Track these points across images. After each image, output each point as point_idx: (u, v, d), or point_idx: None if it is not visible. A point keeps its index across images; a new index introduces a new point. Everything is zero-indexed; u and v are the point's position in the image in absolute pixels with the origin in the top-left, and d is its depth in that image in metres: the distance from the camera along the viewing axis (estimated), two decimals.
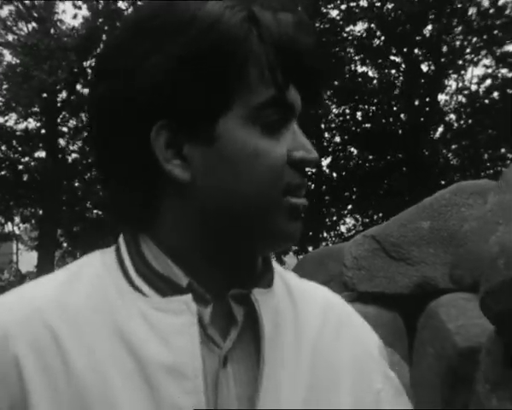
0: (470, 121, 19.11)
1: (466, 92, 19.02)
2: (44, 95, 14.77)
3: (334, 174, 20.54)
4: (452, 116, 19.53)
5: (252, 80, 0.70)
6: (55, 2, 17.27)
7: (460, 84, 19.22)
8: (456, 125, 19.47)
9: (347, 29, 18.32)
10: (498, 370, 3.72)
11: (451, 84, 19.19)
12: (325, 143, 20.36)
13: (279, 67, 0.70)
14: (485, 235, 4.69)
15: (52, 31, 14.97)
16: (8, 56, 16.79)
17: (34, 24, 16.57)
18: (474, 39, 17.67)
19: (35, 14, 16.87)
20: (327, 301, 0.87)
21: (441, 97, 19.30)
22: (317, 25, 17.13)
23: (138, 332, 0.70)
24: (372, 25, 17.80)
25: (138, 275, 0.74)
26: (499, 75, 18.06)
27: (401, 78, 18.83)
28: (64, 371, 0.68)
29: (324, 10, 17.95)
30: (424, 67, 18.36)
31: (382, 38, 18.05)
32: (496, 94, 18.16)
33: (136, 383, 0.68)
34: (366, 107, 19.62)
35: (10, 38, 17.34)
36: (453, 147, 19.87)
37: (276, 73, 0.70)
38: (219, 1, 0.71)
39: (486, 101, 18.16)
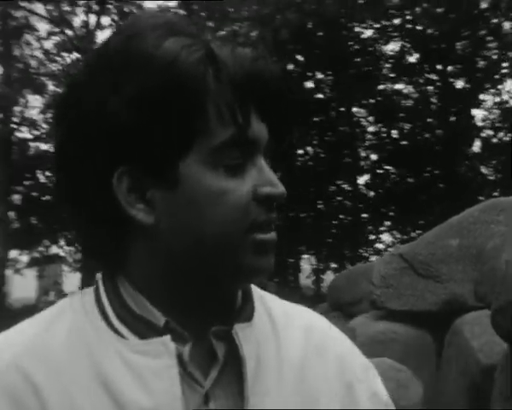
0: (509, 136, 18.95)
1: (502, 107, 18.88)
2: None
3: (372, 192, 20.58)
4: (489, 132, 19.40)
5: (210, 121, 0.69)
6: (96, 33, 17.92)
7: (497, 99, 19.11)
8: (494, 140, 19.33)
9: (381, 48, 18.48)
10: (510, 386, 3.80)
11: (488, 98, 19.12)
12: (361, 162, 20.45)
13: (237, 104, 0.69)
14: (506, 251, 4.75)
15: None
16: (51, 86, 17.51)
17: (76, 54, 17.23)
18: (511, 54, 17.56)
19: (77, 45, 17.52)
20: (309, 324, 0.85)
21: (478, 112, 19.25)
22: (350, 44, 17.33)
23: (118, 376, 0.69)
24: (406, 43, 17.90)
25: (116, 317, 0.73)
26: None
27: (436, 95, 18.81)
28: None
29: (356, 30, 18.16)
30: (459, 83, 18.35)
31: (416, 55, 18.13)
32: None
33: None
34: (401, 124, 19.66)
35: (54, 67, 18.07)
36: (492, 162, 19.72)
37: (235, 112, 0.69)
38: (178, 38, 0.69)
39: None
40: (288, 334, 0.81)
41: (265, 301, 0.84)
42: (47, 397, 0.68)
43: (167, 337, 0.71)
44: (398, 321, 7.00)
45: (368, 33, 18.54)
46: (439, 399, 5.77)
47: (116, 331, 0.72)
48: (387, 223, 20.60)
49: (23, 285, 21.07)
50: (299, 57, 17.12)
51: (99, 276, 0.77)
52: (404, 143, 19.46)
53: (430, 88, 19.05)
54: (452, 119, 18.33)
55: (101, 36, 18.60)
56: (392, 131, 19.97)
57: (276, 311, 0.83)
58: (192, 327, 0.73)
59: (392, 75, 18.95)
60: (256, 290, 0.83)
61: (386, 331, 6.97)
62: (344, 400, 0.80)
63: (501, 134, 19.13)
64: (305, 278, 20.47)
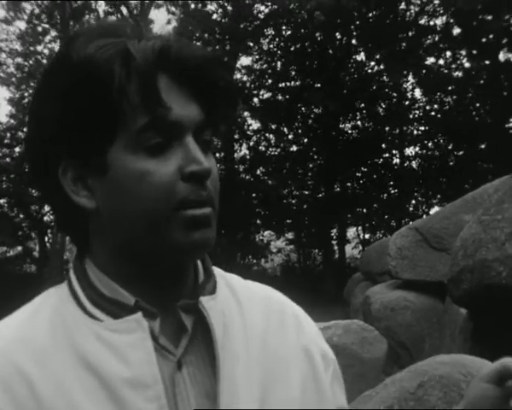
0: None
1: None
2: None
3: (414, 164, 20.71)
4: None
5: (127, 110, 0.73)
6: (149, 11, 18.53)
7: None
8: None
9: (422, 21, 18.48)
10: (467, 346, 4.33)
11: None
12: (409, 135, 20.56)
13: (145, 91, 0.73)
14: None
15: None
16: None
17: None
18: None
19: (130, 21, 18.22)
20: (268, 297, 0.91)
21: None
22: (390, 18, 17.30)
23: (98, 354, 0.73)
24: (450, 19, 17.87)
25: (90, 302, 0.77)
26: None
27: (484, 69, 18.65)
28: (35, 402, 0.72)
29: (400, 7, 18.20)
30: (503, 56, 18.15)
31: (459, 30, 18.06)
32: None
33: (102, 401, 0.72)
34: (450, 98, 19.66)
35: None
36: None
37: (147, 100, 0.73)
38: (100, 40, 0.75)
39: None
40: (249, 305, 0.86)
41: (226, 278, 0.90)
42: (37, 385, 0.72)
43: (139, 314, 0.75)
44: (412, 290, 7.47)
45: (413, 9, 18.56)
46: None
47: (91, 315, 0.76)
48: (438, 196, 20.67)
49: None
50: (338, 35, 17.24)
51: (70, 265, 0.84)
52: (452, 116, 19.43)
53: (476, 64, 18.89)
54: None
55: (155, 14, 19.12)
56: (436, 106, 19.99)
57: (237, 285, 0.89)
58: (160, 304, 0.78)
59: (436, 50, 18.94)
60: (217, 269, 0.89)
61: (399, 299, 7.44)
62: (303, 360, 0.86)
63: None
64: (352, 249, 20.91)
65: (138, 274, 0.79)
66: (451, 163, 19.90)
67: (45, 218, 20.38)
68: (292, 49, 18.66)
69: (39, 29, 19.59)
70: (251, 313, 0.86)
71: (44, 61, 16.65)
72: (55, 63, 0.78)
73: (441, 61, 19.49)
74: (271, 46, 19.35)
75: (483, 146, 19.09)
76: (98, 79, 0.73)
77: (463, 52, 19.05)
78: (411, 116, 20.53)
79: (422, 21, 19.04)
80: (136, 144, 0.74)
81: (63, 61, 0.76)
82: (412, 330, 7.16)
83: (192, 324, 0.79)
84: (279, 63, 19.53)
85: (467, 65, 19.33)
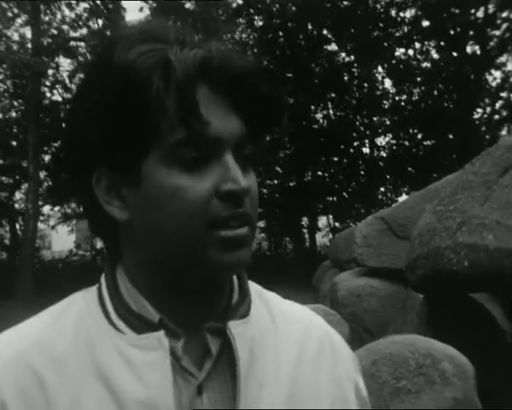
0: None
1: None
2: None
3: (384, 154, 21.06)
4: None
5: (164, 123, 0.70)
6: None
7: None
8: None
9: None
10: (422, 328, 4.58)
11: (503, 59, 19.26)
12: (379, 124, 20.89)
13: (188, 105, 0.70)
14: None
15: (109, 32, 16.14)
16: (81, 49, 18.09)
17: (103, 21, 17.87)
18: None
19: (105, 11, 18.14)
20: (308, 323, 0.87)
21: (495, 75, 19.44)
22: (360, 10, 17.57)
23: (116, 369, 0.72)
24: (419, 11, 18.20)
25: (116, 313, 0.75)
26: None
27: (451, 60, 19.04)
28: None
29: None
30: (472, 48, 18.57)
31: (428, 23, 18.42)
32: None
33: None
34: (417, 88, 20.02)
35: (83, 32, 18.66)
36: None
37: (184, 114, 0.70)
38: (140, 47, 0.71)
39: None
40: (286, 329, 0.83)
41: (265, 298, 0.86)
42: (51, 391, 0.71)
43: (161, 333, 0.73)
44: (377, 277, 7.74)
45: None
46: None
47: (114, 326, 0.75)
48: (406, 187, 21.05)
49: (64, 240, 22.31)
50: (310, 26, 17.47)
51: (103, 274, 0.81)
52: (420, 106, 19.82)
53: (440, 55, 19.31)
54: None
55: (127, 3, 19.00)
56: (406, 96, 20.35)
57: (275, 306, 0.85)
58: (187, 323, 0.75)
59: (406, 41, 19.28)
60: (255, 287, 0.86)
61: (365, 286, 7.68)
62: (335, 395, 0.83)
63: None
64: (322, 238, 21.23)
65: (167, 290, 0.76)
66: (420, 153, 20.28)
67: (16, 205, 20.28)
68: (264, 39, 18.78)
69: (9, 14, 19.38)
70: (286, 337, 0.82)
71: (14, 47, 16.46)
72: (94, 67, 0.76)
73: (410, 52, 19.84)
74: (244, 36, 19.48)
75: (451, 136, 19.47)
76: (136, 89, 0.70)
77: (432, 43, 19.42)
78: (382, 106, 20.85)
79: (393, 12, 19.33)
80: (172, 159, 0.71)
81: (103, 65, 0.74)
82: (377, 315, 7.42)
83: (218, 347, 0.76)
84: (250, 53, 19.63)
85: (435, 56, 19.72)
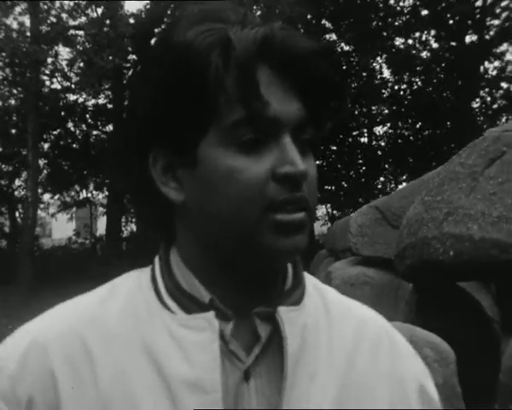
0: None
1: None
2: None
3: (383, 143, 21.11)
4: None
5: (223, 103, 0.69)
6: None
7: None
8: None
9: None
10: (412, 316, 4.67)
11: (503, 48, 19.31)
12: (377, 114, 20.92)
13: (248, 84, 0.68)
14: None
15: (108, 21, 16.06)
16: (80, 38, 18.07)
17: (102, 8, 17.80)
18: None
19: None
20: (365, 318, 0.85)
21: (495, 65, 19.47)
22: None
23: (164, 348, 0.72)
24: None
25: (167, 293, 0.75)
26: None
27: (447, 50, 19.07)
28: (93, 382, 0.71)
29: None
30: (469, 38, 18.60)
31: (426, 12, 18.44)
32: None
33: (159, 397, 0.70)
34: (415, 79, 20.05)
35: (83, 20, 18.62)
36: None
37: (244, 93, 0.68)
38: (200, 26, 0.71)
39: None
40: (341, 322, 0.81)
41: (321, 289, 0.85)
42: (99, 367, 0.71)
43: (211, 313, 0.72)
44: (371, 266, 7.83)
45: None
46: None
47: (165, 305, 0.75)
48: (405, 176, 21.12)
49: (64, 228, 22.43)
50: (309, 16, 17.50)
51: (158, 254, 0.81)
52: (419, 95, 19.87)
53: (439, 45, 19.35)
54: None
55: None
56: (405, 85, 20.39)
57: (331, 300, 0.83)
58: (237, 306, 0.74)
59: (405, 31, 19.30)
60: (311, 279, 0.84)
61: (359, 275, 7.78)
62: (394, 394, 0.80)
63: None
64: (320, 226, 21.30)
65: (220, 273, 0.75)
66: (419, 142, 20.34)
67: (16, 192, 20.37)
68: None
69: (8, 2, 19.36)
70: (341, 330, 0.80)
71: (14, 35, 16.47)
72: (155, 47, 0.76)
73: (410, 42, 19.84)
74: None
75: (450, 126, 19.52)
76: (195, 68, 0.69)
77: (432, 32, 19.43)
78: (380, 96, 20.89)
79: (392, 2, 19.32)
80: (229, 139, 0.70)
81: (162, 45, 0.74)
82: (371, 304, 7.52)
83: (268, 333, 0.75)
84: None
85: (435, 45, 19.75)
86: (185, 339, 0.72)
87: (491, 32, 18.33)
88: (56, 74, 18.19)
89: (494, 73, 19.59)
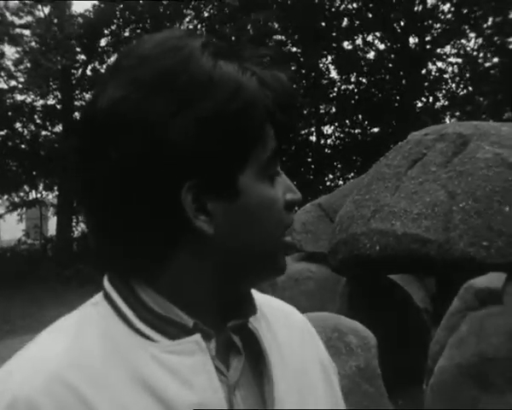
0: (470, 88, 20.00)
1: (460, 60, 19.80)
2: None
3: (329, 141, 21.59)
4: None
5: (264, 137, 0.73)
6: None
7: (455, 51, 20.04)
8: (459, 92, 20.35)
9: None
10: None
11: (447, 50, 20.06)
12: (325, 113, 21.38)
13: (281, 121, 0.74)
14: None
15: (56, 20, 15.95)
16: (26, 38, 17.85)
17: (49, 8, 17.62)
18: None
19: None
20: (288, 313, 0.91)
21: (440, 65, 20.21)
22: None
23: (157, 377, 0.70)
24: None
25: (142, 321, 0.73)
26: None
27: (391, 52, 19.68)
28: None
29: None
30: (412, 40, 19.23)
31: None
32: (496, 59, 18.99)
33: None
34: (360, 79, 20.60)
35: (29, 19, 18.39)
36: (457, 114, 20.76)
37: (280, 129, 0.75)
38: (228, 62, 0.73)
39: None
40: (274, 320, 0.85)
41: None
42: (97, 407, 0.68)
43: (198, 336, 0.73)
44: (314, 262, 8.13)
45: None
46: None
47: (144, 335, 0.73)
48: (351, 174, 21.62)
49: (13, 229, 22.06)
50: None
51: (107, 284, 0.77)
52: (366, 95, 20.42)
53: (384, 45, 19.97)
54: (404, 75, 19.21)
55: None
56: (352, 86, 20.93)
57: (260, 301, 0.85)
58: (212, 323, 0.75)
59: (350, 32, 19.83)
60: None
61: (303, 270, 8.06)
62: (322, 374, 0.88)
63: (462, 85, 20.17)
64: None
65: (213, 298, 0.76)
66: (368, 139, 20.84)
67: None
68: (211, 30, 18.97)
69: None
70: (277, 329, 0.85)
71: None
72: (182, 76, 0.71)
73: (357, 43, 20.36)
74: (191, 26, 19.63)
75: (395, 124, 20.11)
76: (247, 108, 0.71)
77: (378, 34, 19.99)
78: (328, 95, 21.35)
79: (337, 4, 19.80)
80: (263, 171, 0.74)
81: (198, 77, 0.71)
82: (314, 298, 7.82)
83: (241, 344, 0.78)
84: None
85: (382, 46, 20.33)
86: (177, 365, 0.72)
87: (435, 35, 18.95)
88: (2, 74, 17.94)
89: (437, 74, 20.30)
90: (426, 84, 19.77)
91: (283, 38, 20.50)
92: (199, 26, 19.30)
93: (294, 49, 20.62)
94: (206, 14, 19.25)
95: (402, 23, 18.68)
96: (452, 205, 3.85)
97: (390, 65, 20.01)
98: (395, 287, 5.13)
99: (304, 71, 20.68)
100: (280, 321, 0.86)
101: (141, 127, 0.69)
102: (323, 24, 19.77)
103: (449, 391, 3.45)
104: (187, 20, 19.39)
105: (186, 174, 0.71)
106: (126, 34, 18.69)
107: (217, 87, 0.71)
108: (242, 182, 0.73)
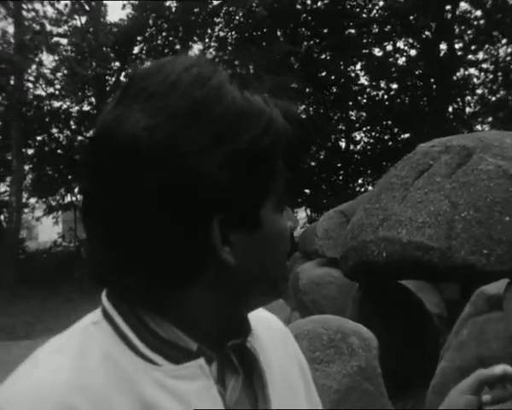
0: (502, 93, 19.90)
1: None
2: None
3: (358, 147, 21.64)
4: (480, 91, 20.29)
5: (283, 170, 0.76)
6: None
7: (487, 57, 19.93)
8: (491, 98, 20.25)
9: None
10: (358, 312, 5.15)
11: (479, 56, 19.97)
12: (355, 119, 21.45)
13: (296, 154, 0.78)
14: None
15: (91, 29, 16.41)
16: (63, 46, 18.38)
17: (85, 18, 18.14)
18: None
19: (87, 8, 18.45)
20: (267, 318, 0.93)
21: (473, 71, 20.13)
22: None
23: (162, 402, 0.70)
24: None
25: (146, 345, 0.73)
26: None
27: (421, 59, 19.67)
28: None
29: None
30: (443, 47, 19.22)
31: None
32: None
33: None
34: (390, 85, 20.63)
35: (66, 28, 18.95)
36: (489, 120, 20.66)
37: (294, 161, 0.78)
38: (254, 95, 0.75)
39: None
40: (260, 333, 0.86)
41: None
42: None
43: (202, 360, 0.74)
44: (336, 267, 8.29)
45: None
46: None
47: (148, 359, 0.72)
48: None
49: (50, 231, 22.68)
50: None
51: (106, 302, 0.77)
52: (397, 101, 20.47)
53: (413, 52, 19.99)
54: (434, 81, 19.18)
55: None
56: (382, 91, 21.00)
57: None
58: (212, 345, 0.76)
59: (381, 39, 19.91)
60: None
61: (325, 275, 8.25)
62: (301, 374, 0.92)
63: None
64: (300, 229, 21.77)
65: (215, 322, 0.77)
66: (400, 145, 20.89)
67: (1, 197, 20.65)
68: (242, 37, 19.28)
69: None
70: (264, 343, 0.86)
71: None
72: (217, 107, 0.71)
73: (387, 49, 20.46)
74: (222, 33, 19.97)
75: (426, 130, 20.11)
76: (281, 139, 0.74)
77: (410, 40, 20.03)
78: (358, 102, 21.46)
79: (366, 11, 19.92)
80: (279, 202, 0.76)
81: (234, 110, 0.71)
82: (335, 302, 7.98)
83: (238, 363, 0.80)
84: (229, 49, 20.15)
85: (413, 52, 20.37)
86: (181, 389, 0.72)
87: (467, 41, 18.92)
88: (40, 81, 18.49)
89: (468, 80, 20.23)
90: (456, 90, 19.70)
91: (311, 43, 20.68)
92: (229, 34, 19.62)
93: (323, 56, 20.78)
94: (235, 22, 19.54)
95: (432, 30, 18.67)
96: (455, 214, 4.01)
97: (420, 71, 20.01)
98: (405, 292, 5.29)
99: (333, 77, 20.84)
100: (265, 333, 0.87)
101: (175, 156, 0.68)
102: (353, 31, 19.92)
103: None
104: (217, 27, 19.73)
105: (217, 207, 0.70)
106: (159, 42, 19.15)
107: (250, 120, 0.71)
108: (263, 213, 0.74)
